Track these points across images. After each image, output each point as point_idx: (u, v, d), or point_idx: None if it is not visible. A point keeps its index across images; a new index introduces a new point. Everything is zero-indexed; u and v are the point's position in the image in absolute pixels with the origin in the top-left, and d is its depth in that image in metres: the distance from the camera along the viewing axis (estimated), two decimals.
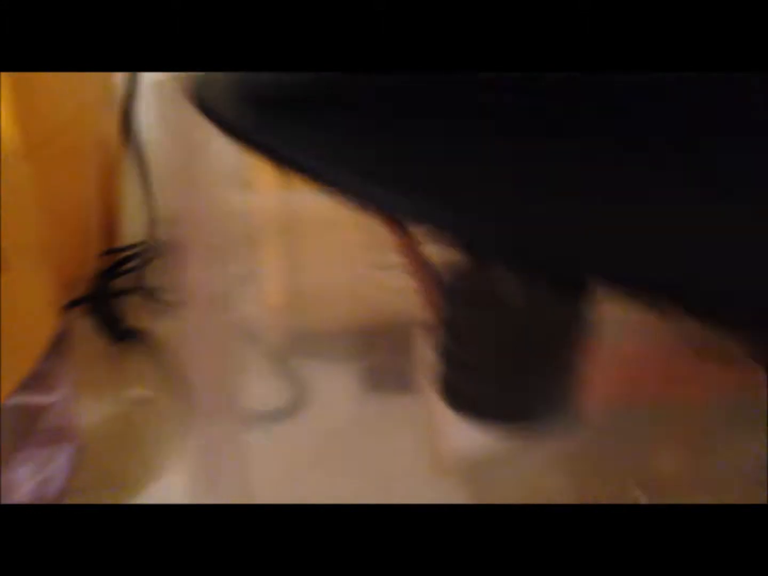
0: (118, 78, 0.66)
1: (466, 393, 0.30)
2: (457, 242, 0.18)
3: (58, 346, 0.44)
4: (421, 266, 0.38)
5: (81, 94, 0.60)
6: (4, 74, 0.46)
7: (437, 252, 0.31)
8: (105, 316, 0.58)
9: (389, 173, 0.19)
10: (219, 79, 0.24)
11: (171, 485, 0.43)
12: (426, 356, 0.34)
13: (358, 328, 0.52)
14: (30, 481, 0.41)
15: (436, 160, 0.20)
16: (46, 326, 0.43)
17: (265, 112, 0.21)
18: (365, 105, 0.21)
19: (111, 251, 0.66)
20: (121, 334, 0.56)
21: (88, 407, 0.48)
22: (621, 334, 0.36)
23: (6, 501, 0.39)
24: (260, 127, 0.21)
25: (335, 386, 0.51)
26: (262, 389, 0.51)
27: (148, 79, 0.65)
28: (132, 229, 0.70)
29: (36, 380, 0.42)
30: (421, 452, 0.45)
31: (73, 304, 0.57)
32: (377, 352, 0.53)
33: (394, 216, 0.19)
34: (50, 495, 0.42)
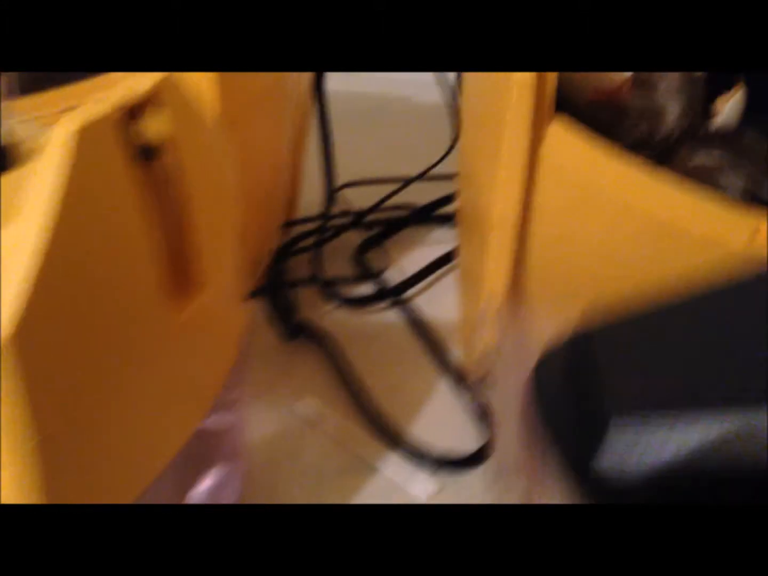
0: None
1: None
2: None
3: (242, 353, 0.41)
4: None
5: None
6: None
7: None
8: (278, 306, 0.54)
9: None
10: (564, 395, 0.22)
11: None
12: None
13: None
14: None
15: None
16: (238, 334, 0.39)
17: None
18: None
19: (289, 224, 0.62)
20: (294, 329, 0.52)
21: (255, 419, 0.45)
22: None
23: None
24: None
25: None
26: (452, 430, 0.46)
27: None
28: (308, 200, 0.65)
29: (220, 399, 0.38)
30: None
31: (252, 294, 0.53)
32: None
33: None
34: None
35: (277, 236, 0.59)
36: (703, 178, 0.43)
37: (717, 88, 0.55)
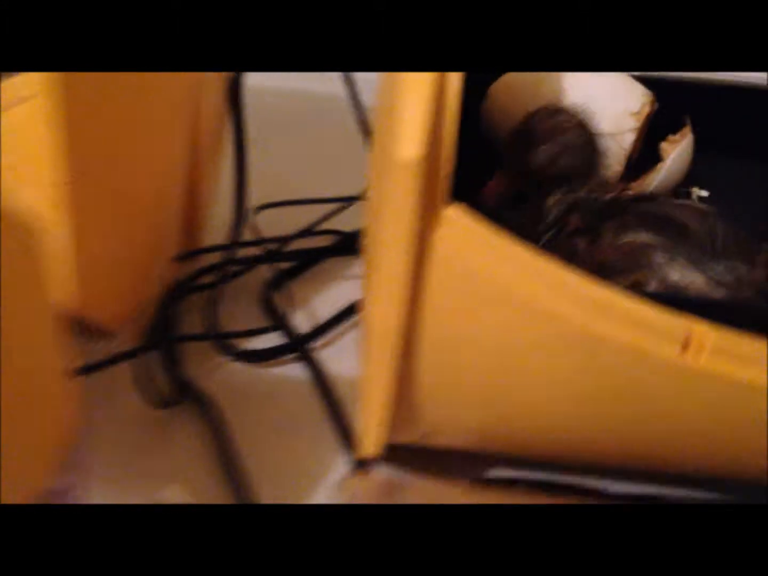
0: None
1: None
2: None
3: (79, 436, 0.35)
4: None
5: None
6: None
7: None
8: (155, 363, 0.46)
9: None
10: None
11: None
12: None
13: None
14: None
15: None
16: (63, 426, 0.33)
17: None
18: None
19: (190, 254, 0.55)
20: (170, 393, 0.45)
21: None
22: None
23: None
24: None
25: None
26: None
27: None
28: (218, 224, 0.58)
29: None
30: None
31: (123, 357, 0.46)
32: None
33: None
34: None
35: (170, 271, 0.52)
36: (635, 255, 0.37)
37: (663, 130, 0.49)
